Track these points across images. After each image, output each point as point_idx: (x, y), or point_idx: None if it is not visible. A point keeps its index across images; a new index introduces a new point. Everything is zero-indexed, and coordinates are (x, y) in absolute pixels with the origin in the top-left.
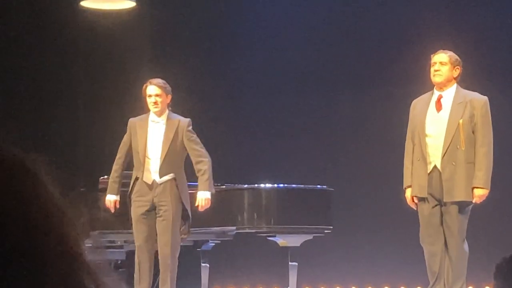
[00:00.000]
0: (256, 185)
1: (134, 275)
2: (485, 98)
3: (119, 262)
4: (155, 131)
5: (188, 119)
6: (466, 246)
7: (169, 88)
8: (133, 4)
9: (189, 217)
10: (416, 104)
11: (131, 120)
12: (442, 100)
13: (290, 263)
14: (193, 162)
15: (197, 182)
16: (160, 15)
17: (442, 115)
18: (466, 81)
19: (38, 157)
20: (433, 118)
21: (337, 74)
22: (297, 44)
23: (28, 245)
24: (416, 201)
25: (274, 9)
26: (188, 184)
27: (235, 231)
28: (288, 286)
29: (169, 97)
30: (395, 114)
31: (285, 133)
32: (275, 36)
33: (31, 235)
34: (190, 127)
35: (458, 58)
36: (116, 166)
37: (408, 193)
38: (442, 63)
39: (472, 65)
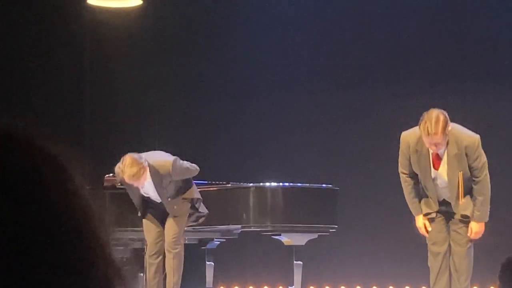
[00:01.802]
0: (261, 183)
1: (145, 275)
2: (477, 138)
3: (124, 259)
4: (145, 186)
5: (169, 164)
6: (471, 249)
7: (142, 163)
8: (140, 2)
9: (196, 207)
10: (411, 146)
11: (120, 179)
12: (438, 153)
13: (295, 261)
14: None
15: (203, 180)
16: (167, 13)
17: (442, 170)
18: (466, 81)
19: (70, 152)
20: (436, 174)
21: (342, 73)
22: (304, 43)
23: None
24: (428, 228)
25: (281, 7)
26: (196, 183)
27: (240, 230)
28: (292, 285)
29: (146, 167)
30: (401, 113)
31: (291, 132)
32: (283, 36)
33: (67, 230)
34: (174, 168)
35: (447, 119)
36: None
37: (420, 222)
38: (439, 144)
39: (474, 65)
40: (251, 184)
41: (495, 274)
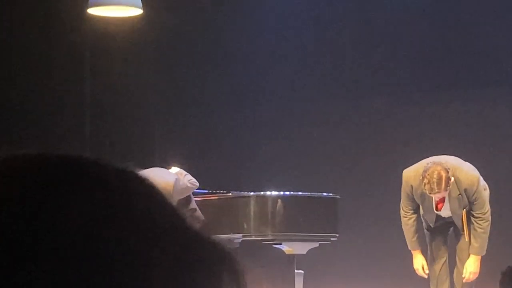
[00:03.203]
0: (262, 192)
1: None
2: (475, 178)
3: None
4: None
5: (170, 187)
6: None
7: None
8: (140, 11)
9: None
10: (414, 188)
11: None
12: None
13: (296, 270)
14: None
15: (203, 189)
16: (167, 23)
17: (445, 209)
18: (465, 83)
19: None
20: (440, 212)
21: (344, 81)
22: (305, 52)
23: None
24: (426, 270)
25: (284, 15)
26: (196, 192)
27: (241, 239)
28: None
29: None
30: (402, 122)
31: (291, 141)
32: (284, 43)
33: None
34: (176, 190)
35: (448, 174)
36: None
37: (418, 263)
38: (443, 198)
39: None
40: (251, 193)
41: (496, 281)
